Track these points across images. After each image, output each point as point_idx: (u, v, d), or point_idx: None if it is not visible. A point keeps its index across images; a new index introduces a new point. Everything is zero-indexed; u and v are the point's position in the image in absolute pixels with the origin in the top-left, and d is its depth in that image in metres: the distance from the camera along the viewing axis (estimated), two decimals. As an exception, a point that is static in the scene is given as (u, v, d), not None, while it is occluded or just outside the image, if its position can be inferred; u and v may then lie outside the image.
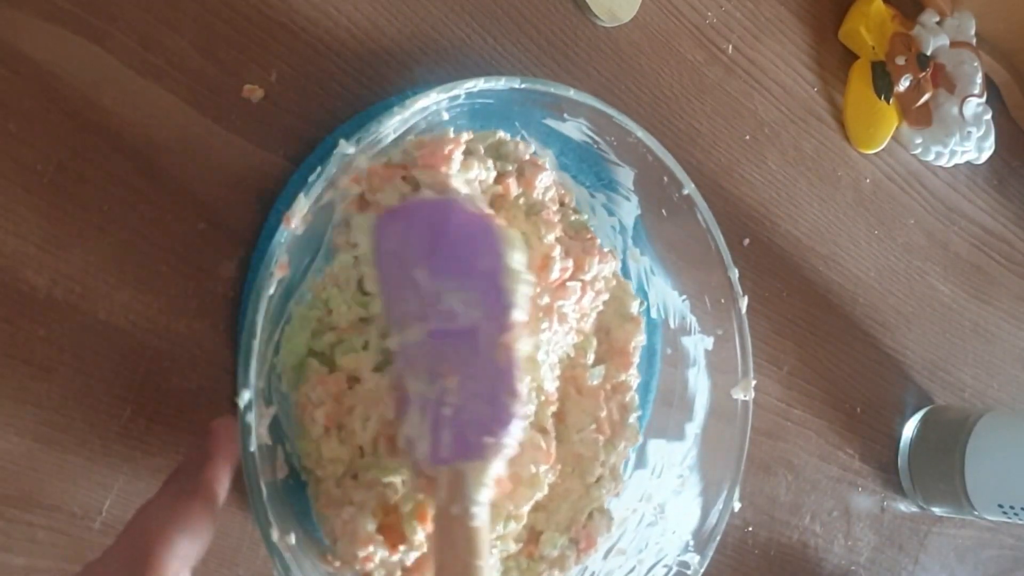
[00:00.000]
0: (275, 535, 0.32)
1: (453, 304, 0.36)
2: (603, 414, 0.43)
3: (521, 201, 0.41)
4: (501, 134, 0.41)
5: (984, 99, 0.62)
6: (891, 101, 0.59)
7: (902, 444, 0.62)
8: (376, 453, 0.37)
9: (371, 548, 0.35)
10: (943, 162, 0.63)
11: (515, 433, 0.35)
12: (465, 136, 0.38)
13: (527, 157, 0.41)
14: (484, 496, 0.34)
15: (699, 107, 0.53)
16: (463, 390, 0.35)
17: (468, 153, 0.39)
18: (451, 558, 0.33)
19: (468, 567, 0.33)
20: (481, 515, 0.34)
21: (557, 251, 0.41)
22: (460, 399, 0.35)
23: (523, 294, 0.36)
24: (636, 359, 0.45)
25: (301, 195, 0.34)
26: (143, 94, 0.36)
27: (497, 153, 0.41)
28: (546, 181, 0.42)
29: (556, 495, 0.41)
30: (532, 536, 0.41)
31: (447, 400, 0.35)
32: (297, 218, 0.34)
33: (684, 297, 0.45)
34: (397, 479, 0.37)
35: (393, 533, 0.36)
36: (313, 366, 0.37)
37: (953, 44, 0.62)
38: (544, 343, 0.40)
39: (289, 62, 0.39)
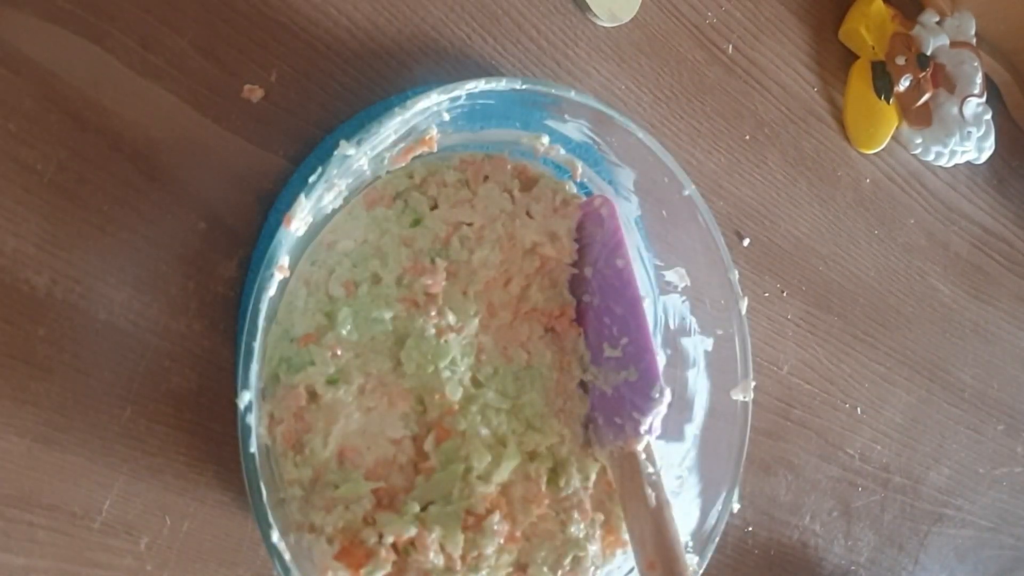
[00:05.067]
0: (275, 536, 0.32)
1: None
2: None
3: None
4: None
5: (984, 99, 0.62)
6: (891, 101, 0.59)
7: (902, 444, 0.63)
8: (341, 469, 0.36)
9: (329, 575, 0.34)
10: (943, 162, 0.63)
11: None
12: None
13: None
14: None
15: (699, 107, 0.53)
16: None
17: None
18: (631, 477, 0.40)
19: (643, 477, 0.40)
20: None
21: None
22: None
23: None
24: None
25: (302, 196, 0.34)
26: (143, 94, 0.36)
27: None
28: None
29: (539, 532, 0.40)
30: (519, 567, 0.39)
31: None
32: (298, 219, 0.34)
33: (684, 298, 0.45)
34: (365, 489, 0.36)
35: (357, 553, 0.35)
36: (281, 379, 0.36)
37: (953, 44, 0.62)
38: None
39: (289, 62, 0.39)
